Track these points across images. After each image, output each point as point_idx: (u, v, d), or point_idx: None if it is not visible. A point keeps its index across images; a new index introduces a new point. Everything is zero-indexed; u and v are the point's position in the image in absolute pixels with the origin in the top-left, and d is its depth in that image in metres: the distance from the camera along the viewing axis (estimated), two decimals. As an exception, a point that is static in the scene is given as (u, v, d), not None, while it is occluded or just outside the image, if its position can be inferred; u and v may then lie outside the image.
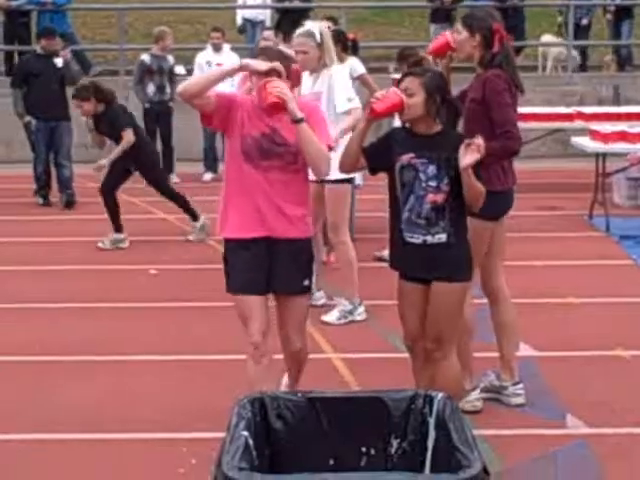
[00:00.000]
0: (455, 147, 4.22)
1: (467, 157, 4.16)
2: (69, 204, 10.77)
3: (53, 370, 5.73)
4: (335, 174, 5.87)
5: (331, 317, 6.41)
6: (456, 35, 4.96)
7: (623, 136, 9.42)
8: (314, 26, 6.27)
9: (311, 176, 4.93)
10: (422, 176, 4.31)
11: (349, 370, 5.64)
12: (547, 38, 15.40)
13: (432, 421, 3.47)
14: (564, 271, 7.86)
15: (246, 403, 3.48)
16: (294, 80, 4.50)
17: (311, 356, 5.81)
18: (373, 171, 4.53)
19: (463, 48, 4.94)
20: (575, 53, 14.71)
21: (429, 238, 4.30)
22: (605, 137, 9.39)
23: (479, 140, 4.17)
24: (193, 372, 5.67)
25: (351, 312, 6.41)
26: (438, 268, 4.34)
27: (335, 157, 4.59)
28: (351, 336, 6.19)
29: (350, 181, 6.35)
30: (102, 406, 5.18)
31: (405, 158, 4.32)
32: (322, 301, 6.73)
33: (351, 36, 9.33)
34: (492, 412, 4.99)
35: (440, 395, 3.53)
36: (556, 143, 12.90)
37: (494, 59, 4.87)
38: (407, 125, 4.41)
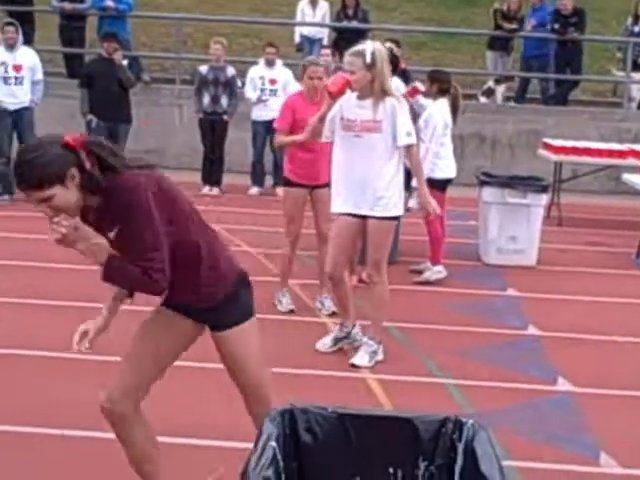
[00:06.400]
0: None
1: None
2: None
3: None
4: (382, 211, 5.89)
5: (363, 360, 6.03)
6: None
7: (676, 176, 9.29)
8: (368, 45, 5.82)
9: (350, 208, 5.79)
10: None
11: (384, 391, 5.60)
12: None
13: (461, 447, 3.41)
14: (609, 308, 7.75)
15: (276, 415, 3.44)
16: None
17: (346, 374, 5.85)
18: None
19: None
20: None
21: None
22: (658, 176, 9.28)
23: None
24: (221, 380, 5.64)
25: (375, 352, 6.12)
26: None
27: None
28: (388, 357, 6.14)
29: (397, 218, 6.12)
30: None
31: None
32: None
33: (402, 66, 9.39)
34: (527, 444, 4.92)
35: (470, 421, 3.47)
36: (608, 179, 12.78)
37: None
38: None
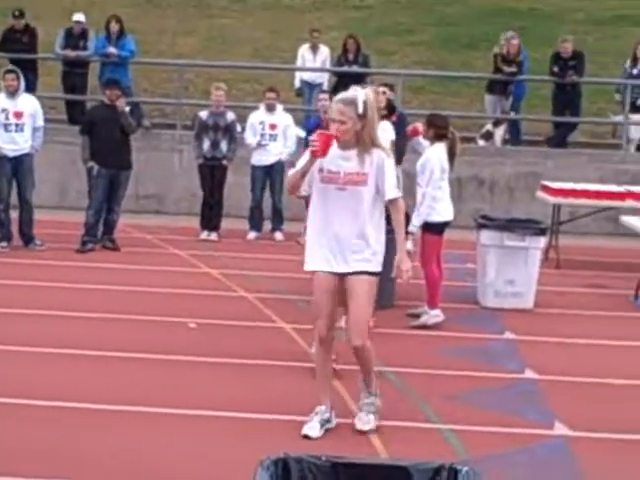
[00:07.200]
0: None
1: None
2: (107, 248, 10.97)
3: (75, 417, 5.74)
4: (366, 267, 5.46)
5: (370, 425, 5.67)
6: None
7: (674, 218, 9.34)
8: (360, 94, 5.40)
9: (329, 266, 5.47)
10: None
11: (379, 438, 5.58)
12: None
13: (455, 495, 3.43)
14: (606, 351, 7.75)
15: (269, 464, 3.46)
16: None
17: (342, 421, 5.82)
18: None
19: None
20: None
21: None
22: (655, 218, 9.33)
23: None
24: (218, 429, 5.65)
25: (377, 406, 5.80)
26: None
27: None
28: (384, 403, 6.13)
29: (380, 274, 5.61)
30: (126, 459, 5.18)
31: None
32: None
33: (394, 119, 9.60)
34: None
35: (465, 469, 3.48)
36: (607, 221, 12.81)
37: None
38: None
